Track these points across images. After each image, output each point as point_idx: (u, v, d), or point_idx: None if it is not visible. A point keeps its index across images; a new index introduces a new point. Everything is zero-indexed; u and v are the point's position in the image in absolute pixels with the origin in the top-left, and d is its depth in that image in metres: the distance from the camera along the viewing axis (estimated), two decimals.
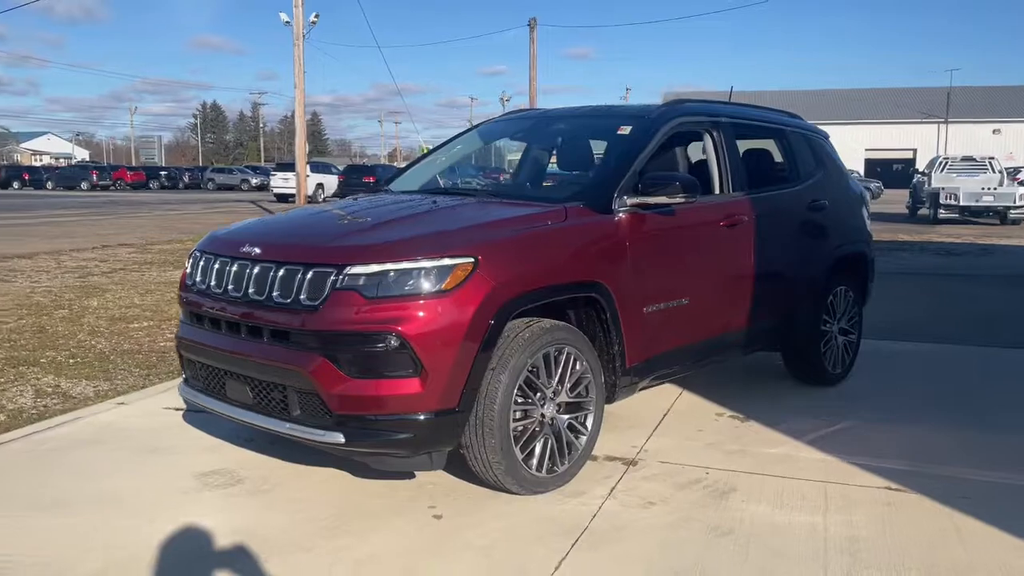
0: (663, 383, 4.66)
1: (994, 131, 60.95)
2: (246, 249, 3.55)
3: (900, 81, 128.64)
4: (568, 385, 3.65)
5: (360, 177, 34.42)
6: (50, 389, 5.26)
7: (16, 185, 52.25)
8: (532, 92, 34.38)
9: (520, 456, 3.47)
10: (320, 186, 36.46)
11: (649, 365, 4.08)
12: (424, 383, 3.20)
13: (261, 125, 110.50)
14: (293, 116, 27.88)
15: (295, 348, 3.31)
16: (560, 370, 3.60)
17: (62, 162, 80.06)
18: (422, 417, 3.23)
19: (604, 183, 4.02)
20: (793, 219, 5.03)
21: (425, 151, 5.64)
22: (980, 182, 23.22)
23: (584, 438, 3.75)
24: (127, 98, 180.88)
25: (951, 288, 10.40)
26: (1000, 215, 22.75)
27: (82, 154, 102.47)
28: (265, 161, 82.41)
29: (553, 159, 5.14)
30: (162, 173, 59.18)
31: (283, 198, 34.87)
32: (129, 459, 4.02)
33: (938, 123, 61.59)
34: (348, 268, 3.23)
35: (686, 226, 4.25)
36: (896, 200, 32.89)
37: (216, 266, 3.68)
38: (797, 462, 4.05)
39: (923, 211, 24.44)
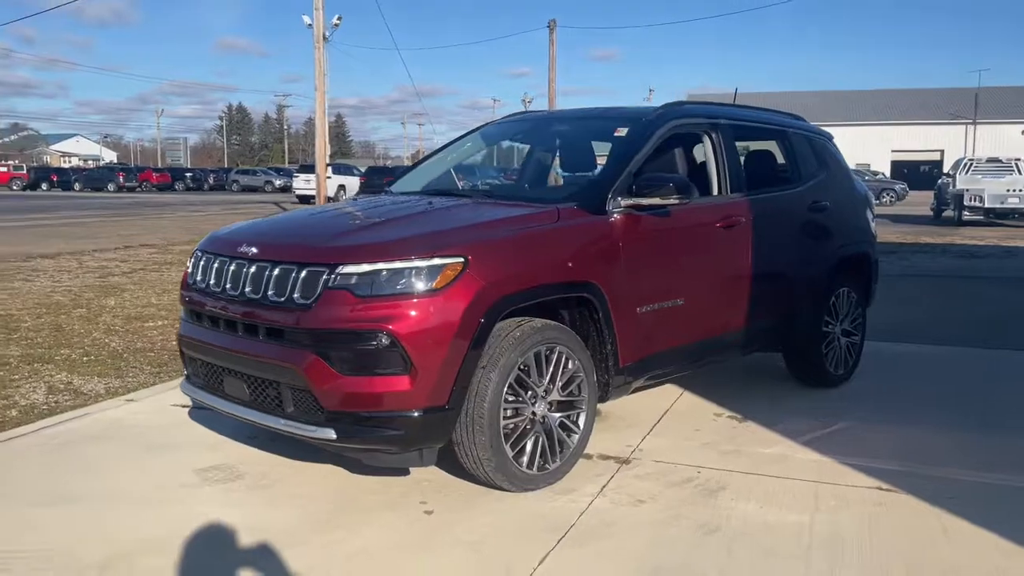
0: (661, 383, 4.70)
1: (1023, 132, 60.10)
2: (243, 249, 3.64)
3: (928, 81, 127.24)
4: (560, 384, 3.69)
5: (381, 179, 34.57)
6: (62, 386, 5.39)
7: (45, 186, 53.08)
8: (551, 94, 34.38)
9: (510, 453, 3.52)
10: (342, 187, 36.73)
11: (643, 365, 4.12)
12: (414, 381, 3.26)
13: (285, 127, 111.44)
14: (323, 118, 28.09)
15: (289, 346, 3.38)
16: (552, 369, 3.64)
17: (90, 164, 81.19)
18: (412, 414, 3.29)
19: (598, 184, 4.07)
20: (793, 220, 5.04)
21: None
22: (1005, 184, 22.91)
23: (576, 436, 3.79)
24: (154, 100, 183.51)
25: (968, 290, 10.32)
26: None
27: (110, 156, 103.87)
28: (289, 163, 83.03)
29: (556, 161, 5.19)
30: (187, 175, 59.87)
31: (305, 199, 35.15)
32: (133, 454, 4.12)
33: (966, 124, 60.80)
34: (340, 267, 3.31)
35: (682, 227, 4.28)
36: (921, 202, 32.56)
37: (215, 265, 3.77)
38: (791, 462, 4.06)
39: (948, 213, 24.19)
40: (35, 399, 5.09)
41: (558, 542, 3.18)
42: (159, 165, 79.05)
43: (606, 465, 4.00)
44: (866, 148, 59.71)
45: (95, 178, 54.58)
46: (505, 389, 3.47)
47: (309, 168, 37.28)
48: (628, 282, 3.94)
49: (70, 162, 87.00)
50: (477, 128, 5.34)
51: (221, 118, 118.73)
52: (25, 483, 3.77)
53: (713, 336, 4.55)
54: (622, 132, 4.36)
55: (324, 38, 34.31)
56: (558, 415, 3.71)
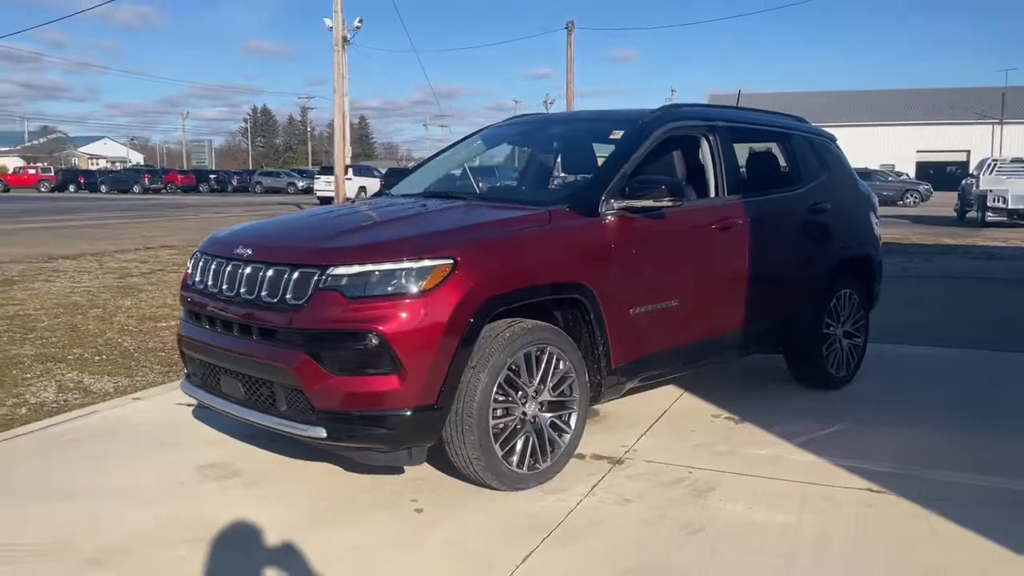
0: (657, 384, 4.72)
1: None
2: (239, 250, 3.71)
3: (954, 81, 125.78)
4: (551, 384, 3.73)
5: (400, 180, 34.75)
6: (72, 385, 5.50)
7: (72, 188, 53.82)
8: (569, 95, 34.42)
9: (500, 452, 3.56)
10: (363, 189, 36.93)
11: (637, 366, 4.14)
12: (403, 380, 3.31)
13: (309, 129, 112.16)
14: (345, 120, 28.31)
15: (281, 346, 3.45)
16: (542, 369, 3.68)
17: (117, 166, 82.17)
18: (401, 413, 3.34)
19: (591, 187, 4.10)
20: (792, 222, 5.04)
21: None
22: None
23: (568, 436, 3.82)
24: (181, 103, 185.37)
25: (984, 292, 10.23)
26: None
27: (137, 158, 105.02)
28: (313, 164, 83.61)
29: (558, 163, 5.22)
30: (211, 176, 60.44)
31: (326, 200, 35.37)
32: (136, 452, 4.21)
33: (992, 124, 60.04)
34: (331, 269, 3.37)
35: (677, 229, 4.30)
36: (945, 203, 32.20)
37: (213, 266, 3.84)
38: (784, 464, 4.07)
39: (971, 214, 23.92)
40: (45, 397, 5.20)
41: (543, 541, 3.22)
42: (184, 167, 79.93)
43: (598, 465, 4.03)
44: (891, 149, 59.22)
45: (121, 180, 55.33)
46: (495, 389, 3.51)
47: (330, 170, 37.48)
48: (621, 284, 3.96)
49: (98, 164, 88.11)
50: (478, 131, 5.39)
51: (246, 120, 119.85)
52: (29, 478, 3.87)
53: (709, 337, 4.56)
54: (617, 135, 4.40)
55: (345, 40, 34.52)
56: (549, 415, 3.75)
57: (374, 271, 3.35)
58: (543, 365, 3.68)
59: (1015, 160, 24.90)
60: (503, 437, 3.58)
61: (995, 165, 24.34)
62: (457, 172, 5.10)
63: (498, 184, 5.31)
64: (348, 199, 28.66)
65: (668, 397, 5.16)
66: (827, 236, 5.29)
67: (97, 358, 6.24)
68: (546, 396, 3.73)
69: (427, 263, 3.36)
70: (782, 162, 5.30)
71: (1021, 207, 21.87)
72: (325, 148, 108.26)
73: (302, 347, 3.38)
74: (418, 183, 4.95)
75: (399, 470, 3.89)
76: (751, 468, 3.99)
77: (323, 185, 37.10)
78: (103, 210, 30.83)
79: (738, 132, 4.90)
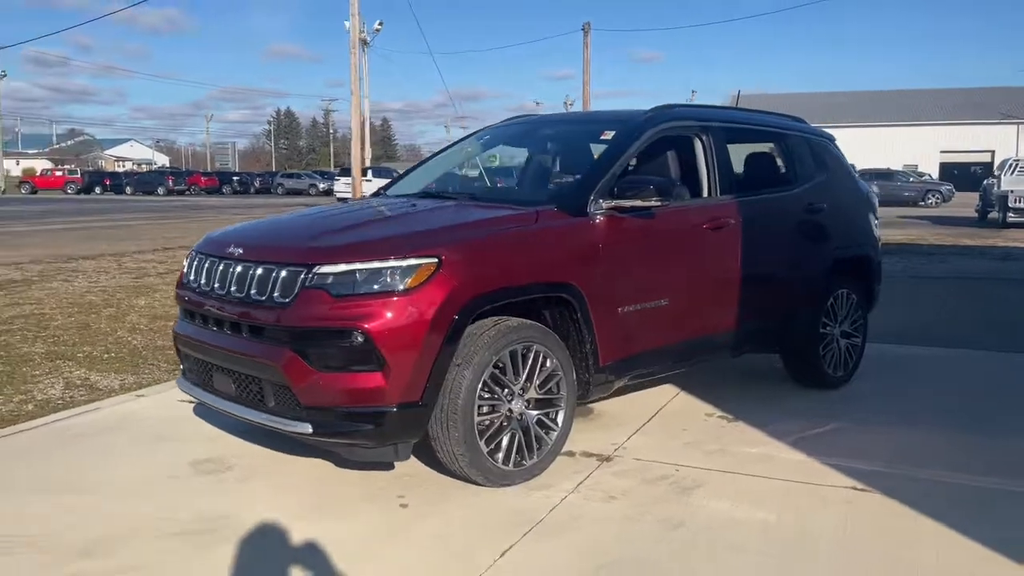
0: (648, 382, 4.74)
1: None
2: (231, 250, 3.79)
3: (978, 80, 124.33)
4: (538, 382, 3.77)
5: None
6: (79, 382, 5.61)
7: (98, 190, 54.64)
8: (585, 96, 34.45)
9: (485, 449, 3.60)
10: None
11: (626, 364, 4.17)
12: (388, 378, 3.37)
13: (332, 131, 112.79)
14: (366, 122, 28.53)
15: (269, 343, 3.52)
16: (528, 367, 3.72)
17: (143, 168, 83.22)
18: (386, 410, 3.40)
19: (580, 187, 4.14)
20: (786, 222, 5.04)
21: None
22: None
23: (555, 434, 3.86)
24: (206, 106, 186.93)
25: (997, 293, 10.13)
26: None
27: (162, 160, 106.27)
28: (335, 166, 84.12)
29: (550, 164, 5.26)
30: (234, 178, 61.00)
31: (345, 202, 35.62)
32: (134, 447, 4.30)
33: (1018, 123, 59.23)
34: (317, 267, 3.43)
35: (667, 229, 4.32)
36: (968, 204, 31.86)
37: (206, 265, 3.92)
38: (774, 462, 4.09)
39: (993, 215, 23.65)
40: (51, 394, 5.31)
41: (523, 535, 3.26)
42: (208, 169, 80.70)
43: (587, 462, 4.06)
44: (914, 149, 58.56)
45: (146, 182, 56.13)
46: (480, 386, 3.56)
47: (350, 171, 37.78)
48: (609, 283, 4.00)
49: (124, 166, 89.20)
50: (474, 132, 5.44)
51: (269, 122, 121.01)
52: (30, 472, 3.96)
53: (700, 336, 4.58)
54: (609, 135, 4.43)
55: (365, 43, 34.62)
56: (536, 413, 3.79)
57: (359, 270, 3.41)
58: (529, 363, 3.72)
59: None
60: (488, 434, 3.63)
61: (1017, 165, 24.02)
62: (452, 173, 5.16)
63: (490, 184, 5.34)
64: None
65: (663, 396, 5.18)
66: (823, 236, 5.29)
67: (106, 356, 6.36)
68: (532, 394, 3.77)
69: (411, 262, 3.42)
70: (777, 162, 5.31)
71: None
72: (347, 150, 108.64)
73: (289, 344, 3.44)
74: (413, 183, 5.01)
75: (388, 466, 3.95)
76: (739, 466, 4.01)
77: (342, 186, 37.35)
78: (126, 211, 31.23)
79: (732, 132, 4.92)
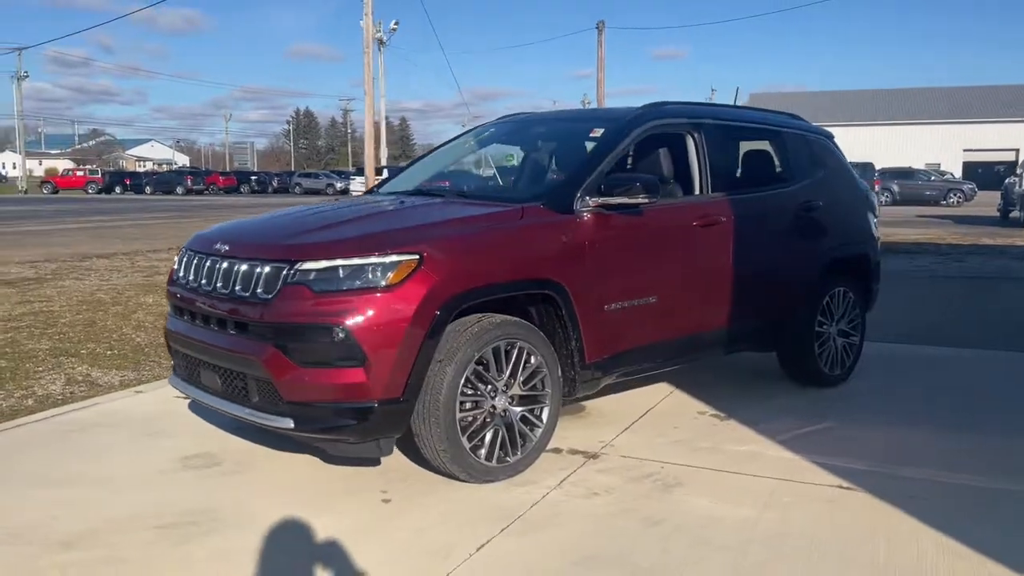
0: (638, 379, 4.72)
1: None
2: (218, 247, 3.83)
3: (1002, 78, 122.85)
4: (521, 379, 3.78)
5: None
6: (81, 378, 5.68)
7: (118, 190, 55.20)
8: (600, 95, 34.34)
9: (467, 445, 3.62)
10: None
11: (613, 361, 4.17)
12: (368, 373, 3.39)
13: (350, 131, 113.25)
14: (381, 121, 28.65)
15: (253, 339, 3.55)
16: (512, 364, 3.73)
17: (163, 168, 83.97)
18: (367, 406, 3.42)
19: (566, 184, 4.15)
20: (780, 220, 5.01)
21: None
22: None
23: (539, 430, 3.87)
24: (226, 106, 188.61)
25: (1013, 292, 10.04)
26: None
27: (182, 160, 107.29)
28: (353, 166, 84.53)
29: (540, 161, 5.26)
30: (252, 178, 61.40)
31: None
32: (127, 442, 4.35)
33: None
34: (299, 264, 3.46)
35: (656, 226, 4.31)
36: (991, 203, 31.47)
37: (195, 262, 3.97)
38: (761, 460, 4.07)
39: (1014, 214, 23.37)
40: (52, 390, 5.38)
41: (502, 531, 3.27)
42: (227, 169, 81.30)
43: (573, 459, 4.07)
44: (936, 147, 57.98)
45: (165, 181, 56.67)
46: (462, 383, 3.57)
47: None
48: (595, 280, 4.00)
49: (144, 166, 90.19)
50: (468, 130, 5.46)
51: (289, 122, 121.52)
52: (25, 466, 4.02)
53: (690, 334, 4.57)
54: (598, 133, 4.43)
55: (381, 43, 34.68)
56: (519, 409, 3.80)
57: (341, 266, 3.43)
58: (513, 360, 3.73)
59: None
60: (471, 430, 3.64)
61: None
62: (443, 170, 5.18)
63: (479, 181, 5.36)
64: None
65: (656, 394, 5.17)
66: (819, 234, 5.25)
67: (109, 352, 6.43)
68: (516, 390, 3.78)
69: (393, 258, 3.44)
70: (773, 160, 5.28)
71: None
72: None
73: (271, 340, 3.48)
74: (405, 181, 5.04)
75: (375, 462, 3.98)
76: (726, 464, 4.00)
77: (359, 186, 37.68)
78: (144, 211, 31.53)
79: (725, 130, 4.89)
